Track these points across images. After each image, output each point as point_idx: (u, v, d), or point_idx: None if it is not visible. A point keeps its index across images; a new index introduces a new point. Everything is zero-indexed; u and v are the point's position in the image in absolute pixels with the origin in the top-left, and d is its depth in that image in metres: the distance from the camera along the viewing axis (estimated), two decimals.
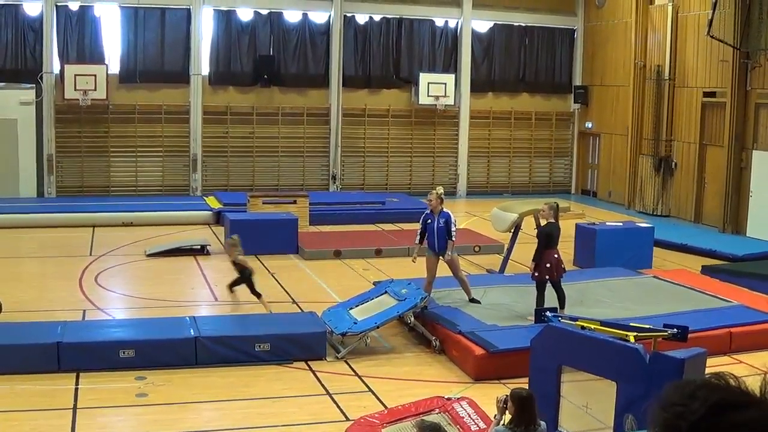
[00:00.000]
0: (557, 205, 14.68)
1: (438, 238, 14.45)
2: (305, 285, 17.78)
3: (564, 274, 14.31)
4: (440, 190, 14.96)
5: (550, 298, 13.88)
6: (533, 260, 14.12)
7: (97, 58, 27.78)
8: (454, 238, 14.51)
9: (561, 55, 32.58)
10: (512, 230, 18.34)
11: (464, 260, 19.05)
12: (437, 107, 30.70)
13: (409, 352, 13.53)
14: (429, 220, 14.57)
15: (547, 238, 14.11)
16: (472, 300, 14.67)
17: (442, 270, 14.89)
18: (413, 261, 14.70)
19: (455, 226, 14.64)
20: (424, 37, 31.00)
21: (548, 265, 13.91)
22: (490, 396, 10.02)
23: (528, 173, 32.76)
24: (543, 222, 14.86)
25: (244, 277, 15.16)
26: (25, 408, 10.77)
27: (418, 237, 14.81)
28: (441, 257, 14.57)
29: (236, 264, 15.26)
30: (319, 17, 29.81)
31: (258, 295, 15.10)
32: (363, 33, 30.38)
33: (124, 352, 12.27)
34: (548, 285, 14.06)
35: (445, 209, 14.68)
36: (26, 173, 27.12)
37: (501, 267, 18.38)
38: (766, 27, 23.11)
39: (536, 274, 13.97)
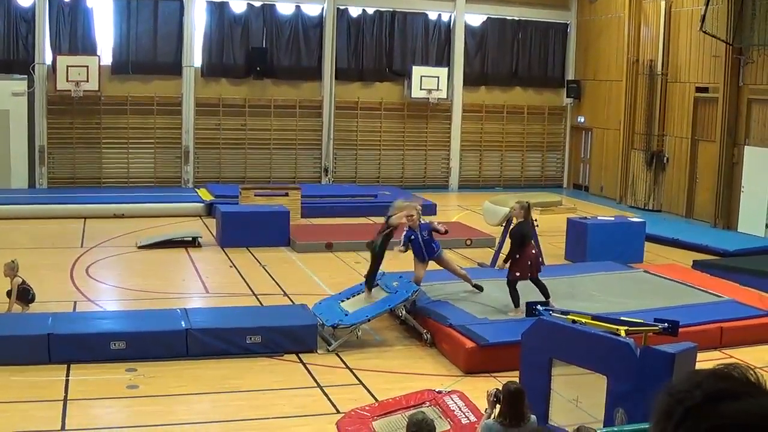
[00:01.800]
0: (528, 205, 14.68)
1: (426, 248, 14.36)
2: (297, 277, 17.79)
3: (542, 269, 14.30)
4: (419, 206, 14.87)
5: (532, 294, 13.84)
6: (506, 260, 14.11)
7: (90, 49, 27.69)
8: (444, 231, 14.49)
9: (554, 49, 32.58)
10: (504, 224, 18.36)
11: (456, 254, 19.09)
12: (430, 101, 30.68)
13: (400, 345, 13.55)
14: (412, 237, 14.37)
15: (522, 237, 14.10)
16: (476, 286, 14.64)
17: (433, 264, 14.85)
18: (402, 252, 14.64)
19: (438, 223, 14.65)
20: (417, 30, 30.97)
21: (529, 263, 13.89)
22: (480, 389, 10.03)
23: (520, 167, 32.76)
24: (514, 221, 14.82)
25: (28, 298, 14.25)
26: (16, 399, 10.75)
27: (402, 244, 14.62)
28: (433, 262, 14.55)
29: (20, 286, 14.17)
30: (312, 10, 29.76)
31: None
32: (356, 26, 30.34)
33: (115, 344, 12.26)
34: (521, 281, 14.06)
35: (421, 220, 14.61)
36: (18, 164, 27.02)
37: (492, 261, 18.39)
38: (759, 23, 23.15)
39: (518, 273, 13.91)
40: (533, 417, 7.78)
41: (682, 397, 1.77)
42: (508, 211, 18.07)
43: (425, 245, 14.31)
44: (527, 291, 13.84)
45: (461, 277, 14.78)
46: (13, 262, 14.26)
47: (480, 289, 14.64)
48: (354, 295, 14.39)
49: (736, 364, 1.82)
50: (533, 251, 14.07)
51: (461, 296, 14.55)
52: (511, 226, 15.02)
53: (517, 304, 13.71)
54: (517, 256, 13.97)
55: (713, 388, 1.76)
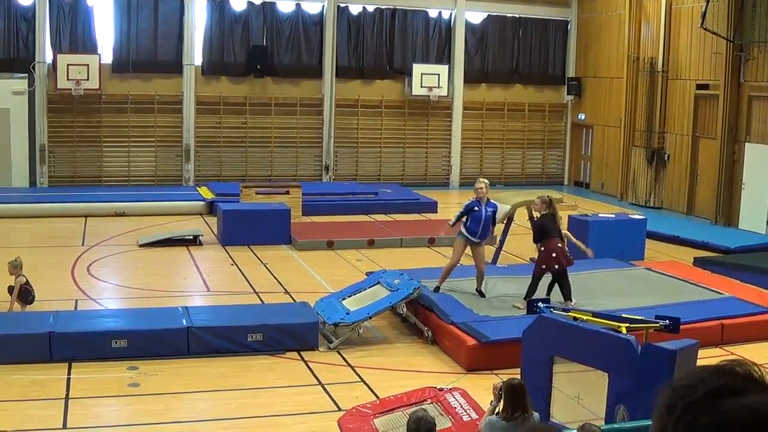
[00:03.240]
0: (550, 198, 14.57)
1: (484, 227, 14.36)
2: (298, 275, 17.78)
3: (571, 264, 14.21)
4: (486, 180, 14.94)
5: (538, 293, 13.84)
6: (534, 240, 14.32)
7: (90, 47, 27.70)
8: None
9: (554, 46, 32.57)
10: (505, 221, 18.34)
11: None
12: (430, 98, 30.68)
13: (401, 343, 13.55)
14: (476, 208, 14.37)
15: (540, 229, 14.11)
16: (479, 291, 14.62)
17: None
18: (450, 225, 14.85)
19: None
20: (417, 27, 30.97)
21: (554, 255, 13.83)
22: (482, 386, 10.06)
23: (521, 164, 32.76)
24: (536, 215, 14.82)
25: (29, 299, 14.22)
26: (17, 398, 10.75)
27: (454, 220, 14.69)
28: (471, 246, 14.53)
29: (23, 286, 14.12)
30: (312, 7, 29.75)
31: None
32: (356, 23, 30.34)
33: (116, 342, 12.26)
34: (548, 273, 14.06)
35: (491, 199, 14.67)
36: (19, 163, 27.03)
37: (493, 258, 18.39)
38: (760, 19, 23.14)
39: (543, 266, 13.89)
40: (536, 414, 7.79)
41: (684, 392, 1.77)
42: (510, 208, 18.08)
43: (485, 222, 14.34)
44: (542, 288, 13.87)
45: (479, 274, 14.67)
46: (16, 260, 14.25)
47: (482, 295, 14.60)
48: (355, 293, 14.38)
49: (741, 360, 1.82)
50: (558, 244, 13.98)
51: (463, 293, 14.54)
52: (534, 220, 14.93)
53: (528, 297, 13.68)
54: (542, 248, 13.96)
55: (714, 384, 1.76)
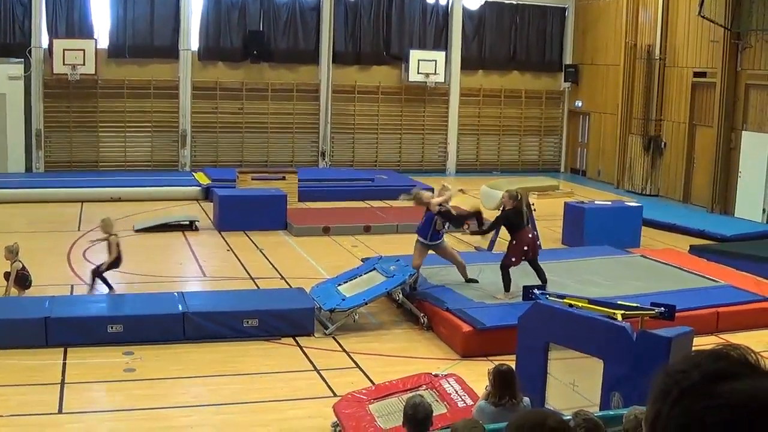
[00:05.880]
0: (518, 195, 14.50)
1: (434, 230, 14.35)
2: (294, 261, 17.78)
3: (539, 252, 14.31)
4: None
5: (529, 278, 13.83)
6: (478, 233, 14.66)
7: (86, 32, 27.60)
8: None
9: (552, 33, 32.51)
10: (501, 208, 18.31)
11: (453, 238, 19.05)
12: (427, 84, 30.63)
13: (397, 329, 13.57)
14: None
15: (506, 224, 14.19)
16: (469, 280, 14.61)
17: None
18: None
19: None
20: (414, 13, 30.88)
21: (525, 248, 13.88)
22: (477, 373, 10.07)
23: (518, 151, 32.73)
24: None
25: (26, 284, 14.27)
26: (13, 383, 10.77)
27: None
28: (434, 250, 14.51)
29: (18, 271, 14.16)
30: None
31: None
32: (353, 9, 30.25)
33: (112, 327, 12.27)
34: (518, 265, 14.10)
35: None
36: (15, 148, 26.97)
37: (489, 245, 18.40)
38: (757, 7, 23.12)
39: (513, 259, 13.90)
40: (526, 399, 7.81)
41: (679, 377, 1.77)
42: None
43: (425, 221, 14.31)
44: (524, 275, 13.86)
45: (458, 267, 14.69)
46: (13, 245, 14.25)
47: (474, 281, 14.59)
48: (351, 279, 14.39)
49: (736, 345, 1.82)
50: (529, 235, 14.07)
51: (458, 280, 14.54)
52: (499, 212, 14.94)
53: (507, 288, 13.75)
54: (513, 241, 14.00)
55: (710, 369, 1.76)
